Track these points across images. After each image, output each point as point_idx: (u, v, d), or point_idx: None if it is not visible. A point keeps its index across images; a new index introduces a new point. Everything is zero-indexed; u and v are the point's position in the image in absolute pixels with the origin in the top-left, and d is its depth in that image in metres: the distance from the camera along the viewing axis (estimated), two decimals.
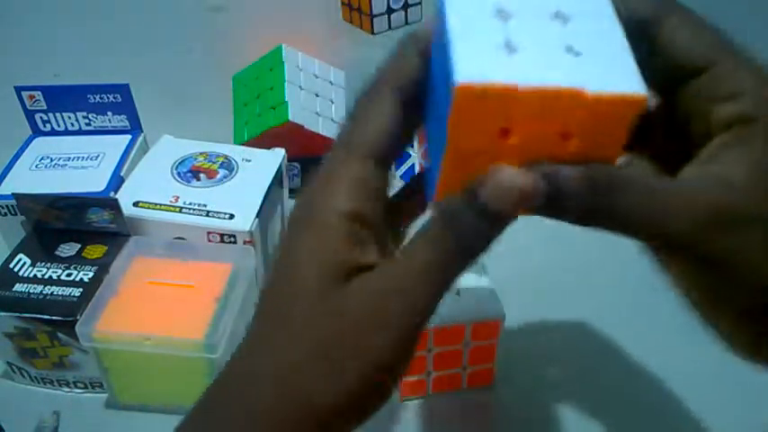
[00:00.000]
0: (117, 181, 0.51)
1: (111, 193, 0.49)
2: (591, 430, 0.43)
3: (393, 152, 0.24)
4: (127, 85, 0.53)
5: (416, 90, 0.24)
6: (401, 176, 0.28)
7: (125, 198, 0.48)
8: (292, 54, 0.65)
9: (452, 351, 0.42)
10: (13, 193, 0.46)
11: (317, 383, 0.22)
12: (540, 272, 0.52)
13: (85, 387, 0.44)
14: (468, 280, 0.43)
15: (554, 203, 0.21)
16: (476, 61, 0.20)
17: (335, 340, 0.22)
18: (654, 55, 0.24)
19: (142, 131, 0.56)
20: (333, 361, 0.22)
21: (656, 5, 0.24)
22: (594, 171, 0.21)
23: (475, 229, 0.22)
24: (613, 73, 0.20)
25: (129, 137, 0.55)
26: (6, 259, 0.45)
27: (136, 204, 0.48)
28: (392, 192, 0.28)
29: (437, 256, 0.22)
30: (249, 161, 0.52)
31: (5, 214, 0.49)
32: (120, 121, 0.55)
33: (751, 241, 0.22)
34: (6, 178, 0.51)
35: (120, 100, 0.54)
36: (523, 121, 0.21)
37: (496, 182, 0.21)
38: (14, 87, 0.53)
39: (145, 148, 0.56)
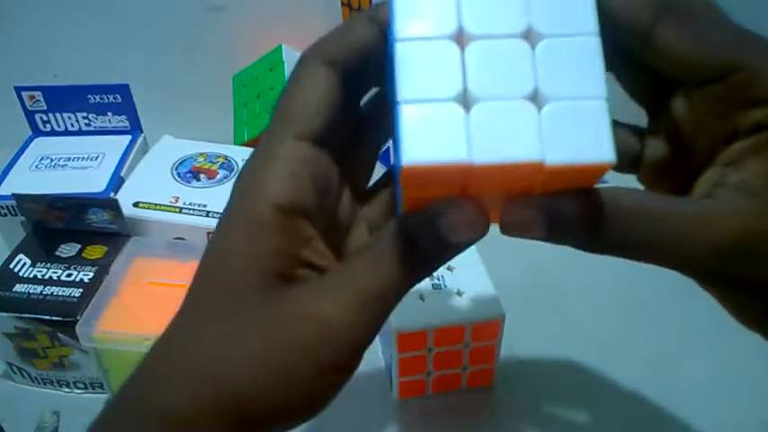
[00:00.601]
0: (117, 181, 0.51)
1: (111, 194, 0.49)
2: (591, 430, 0.43)
3: (332, 131, 0.22)
4: (127, 85, 0.53)
5: (360, 64, 0.22)
6: (379, 160, 0.27)
7: (125, 198, 0.48)
8: (292, 54, 0.65)
9: (452, 351, 0.42)
10: (13, 194, 0.46)
11: (251, 386, 0.21)
12: (540, 272, 0.52)
13: (85, 387, 0.44)
14: (468, 280, 0.43)
15: (555, 237, 0.20)
16: (424, 135, 0.18)
17: (279, 345, 0.21)
18: (652, 63, 0.22)
19: (142, 131, 0.56)
20: (270, 365, 0.21)
21: (658, 6, 0.21)
22: (594, 204, 0.20)
23: (430, 254, 0.21)
24: (580, 134, 0.18)
25: (129, 137, 0.55)
26: (6, 259, 0.45)
27: (136, 204, 0.48)
28: (372, 179, 0.27)
29: (386, 275, 0.21)
30: None
31: (5, 214, 0.49)
32: (120, 121, 0.55)
33: None
34: (6, 178, 0.51)
35: (120, 100, 0.54)
36: (480, 185, 0.20)
37: (456, 216, 0.20)
38: (14, 87, 0.53)
39: (145, 149, 0.56)
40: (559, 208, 0.20)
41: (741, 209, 0.20)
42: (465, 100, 0.19)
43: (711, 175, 0.22)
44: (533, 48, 0.19)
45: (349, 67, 0.22)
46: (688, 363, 0.45)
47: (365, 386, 0.45)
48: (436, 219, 0.20)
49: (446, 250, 0.21)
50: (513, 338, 0.42)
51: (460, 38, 0.19)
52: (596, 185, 0.20)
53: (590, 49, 0.19)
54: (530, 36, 0.19)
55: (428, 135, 0.18)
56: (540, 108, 0.19)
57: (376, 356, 0.47)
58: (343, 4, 0.90)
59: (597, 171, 0.19)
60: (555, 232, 0.20)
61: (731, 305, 0.23)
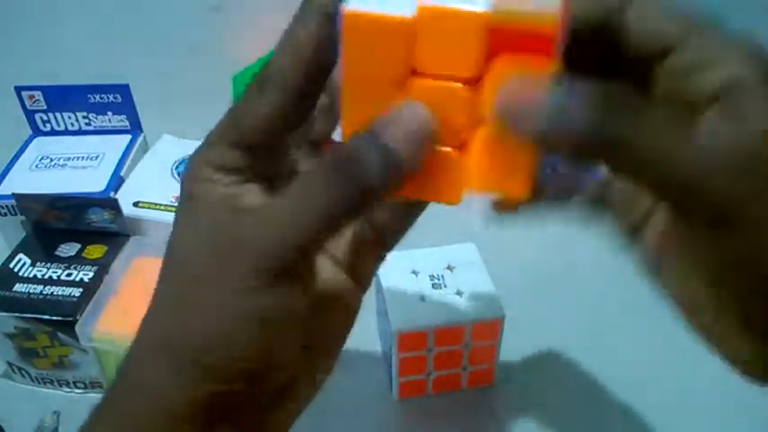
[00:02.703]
0: (117, 181, 0.51)
1: (111, 193, 0.49)
2: (591, 430, 0.43)
3: (275, 140, 0.23)
4: (127, 86, 0.53)
5: (314, 79, 0.22)
6: None
7: (125, 198, 0.48)
8: None
9: (452, 351, 0.42)
10: (13, 193, 0.46)
11: (189, 328, 0.22)
12: (540, 272, 0.52)
13: (85, 387, 0.44)
14: (468, 280, 0.43)
15: (557, 123, 0.19)
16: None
17: (200, 280, 0.21)
18: (621, 42, 0.21)
19: (142, 131, 0.56)
20: (196, 301, 0.21)
21: None
22: (612, 90, 0.19)
23: (373, 173, 0.20)
24: None
25: (129, 137, 0.55)
26: (6, 259, 0.45)
27: (136, 204, 0.48)
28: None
29: (321, 198, 0.20)
30: None
31: (5, 214, 0.49)
32: (120, 121, 0.55)
33: None
34: (6, 178, 0.51)
35: (120, 100, 0.54)
36: (427, 57, 0.19)
37: (401, 119, 0.20)
38: (14, 87, 0.53)
39: (145, 148, 0.56)
40: (564, 85, 0.19)
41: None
42: None
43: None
44: None
45: (301, 87, 0.22)
46: (688, 362, 0.45)
47: (365, 386, 0.45)
48: (376, 124, 0.20)
49: (387, 163, 0.20)
50: (513, 338, 0.42)
51: None
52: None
53: None
54: None
55: None
56: None
57: (376, 356, 0.47)
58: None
59: (548, 32, 0.18)
60: (555, 114, 0.19)
61: (688, 286, 0.23)
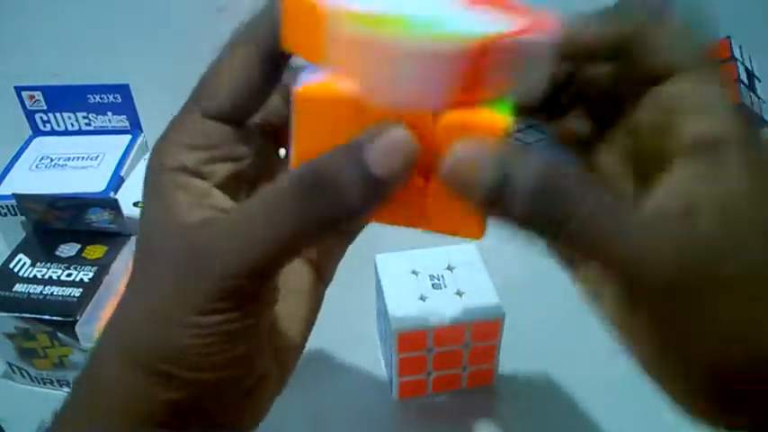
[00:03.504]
0: (117, 181, 0.51)
1: (111, 193, 0.49)
2: (591, 430, 0.43)
3: (247, 108, 0.23)
4: (127, 85, 0.53)
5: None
6: None
7: (125, 198, 0.48)
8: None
9: (452, 351, 0.42)
10: (13, 193, 0.46)
11: (146, 335, 0.21)
12: (540, 272, 0.52)
13: None
14: (468, 280, 0.43)
15: (499, 195, 0.19)
16: None
17: (156, 282, 0.21)
18: (636, 67, 0.21)
19: (142, 131, 0.56)
20: (156, 309, 0.21)
21: (638, 17, 0.21)
22: (557, 169, 0.19)
23: (351, 198, 0.19)
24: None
25: (129, 137, 0.55)
26: (6, 259, 0.45)
27: (136, 204, 0.48)
28: None
29: (292, 221, 0.20)
30: None
31: (5, 214, 0.49)
32: (120, 121, 0.55)
33: (708, 313, 0.19)
34: (6, 178, 0.51)
35: (120, 100, 0.54)
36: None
37: (387, 140, 0.19)
38: (14, 87, 0.53)
39: (145, 148, 0.56)
40: (509, 164, 0.19)
41: (686, 234, 0.19)
42: None
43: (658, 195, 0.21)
44: None
45: (277, 46, 0.21)
46: None
47: (365, 386, 0.45)
48: (361, 148, 0.19)
49: (368, 190, 0.19)
50: (513, 338, 0.42)
51: None
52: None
53: None
54: None
55: None
56: None
57: (376, 356, 0.47)
58: None
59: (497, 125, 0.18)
60: (496, 196, 0.19)
61: (644, 335, 0.23)
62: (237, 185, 0.23)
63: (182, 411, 0.22)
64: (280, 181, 0.20)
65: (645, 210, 0.19)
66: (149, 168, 0.23)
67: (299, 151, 0.20)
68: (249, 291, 0.21)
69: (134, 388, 0.22)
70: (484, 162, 0.19)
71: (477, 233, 0.21)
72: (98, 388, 0.22)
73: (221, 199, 0.22)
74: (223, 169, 0.23)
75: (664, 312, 0.20)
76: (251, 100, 0.22)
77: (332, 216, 0.19)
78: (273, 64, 0.22)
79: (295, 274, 0.27)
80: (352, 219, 0.20)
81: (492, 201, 0.19)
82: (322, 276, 0.28)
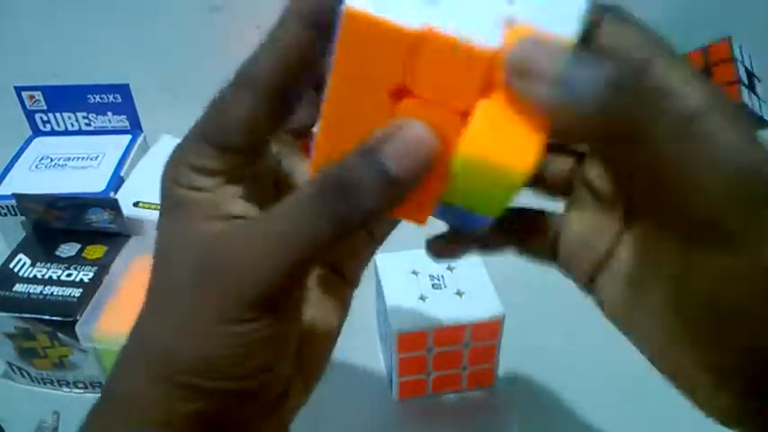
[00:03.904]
0: (117, 181, 0.51)
1: (111, 193, 0.49)
2: (591, 430, 0.43)
3: (259, 142, 0.22)
4: (127, 85, 0.53)
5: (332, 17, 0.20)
6: None
7: (125, 198, 0.48)
8: None
9: (452, 351, 0.42)
10: (13, 193, 0.46)
11: (160, 343, 0.21)
12: (540, 272, 0.52)
13: (85, 387, 0.44)
14: (468, 280, 0.43)
15: (574, 85, 0.17)
16: None
17: (177, 294, 0.21)
18: None
19: (142, 131, 0.56)
20: (174, 318, 0.21)
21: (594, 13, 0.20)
22: (627, 65, 0.18)
23: (369, 199, 0.19)
24: (548, 17, 0.17)
25: (129, 137, 0.55)
26: (6, 259, 0.45)
27: (136, 204, 0.48)
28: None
29: (312, 225, 0.19)
30: None
31: (5, 214, 0.49)
32: (120, 121, 0.55)
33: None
34: (6, 178, 0.51)
35: (120, 100, 0.54)
36: (424, 78, 0.18)
37: (406, 140, 0.18)
38: (14, 87, 0.53)
39: (145, 148, 0.56)
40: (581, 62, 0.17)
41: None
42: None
43: None
44: None
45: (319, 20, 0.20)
46: None
47: (365, 386, 0.45)
48: (377, 146, 0.18)
49: (387, 190, 0.19)
50: (513, 338, 0.42)
51: None
52: None
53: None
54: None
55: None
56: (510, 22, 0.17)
57: (376, 356, 0.47)
58: None
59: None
60: (569, 73, 0.17)
61: (658, 324, 0.22)
62: (260, 189, 0.23)
63: (206, 423, 0.22)
64: (301, 187, 0.20)
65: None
66: (164, 181, 0.22)
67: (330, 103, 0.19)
68: (275, 298, 0.20)
69: (159, 401, 0.21)
70: (555, 51, 0.17)
71: (422, 219, 0.21)
72: (122, 401, 0.22)
73: (241, 206, 0.22)
74: (239, 188, 0.22)
75: (713, 251, 0.19)
76: (258, 139, 0.22)
77: (352, 219, 0.19)
78: (280, 102, 0.21)
79: (318, 285, 0.26)
80: (373, 220, 0.19)
81: (564, 98, 0.17)
82: (350, 280, 0.27)
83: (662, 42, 0.20)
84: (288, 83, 0.21)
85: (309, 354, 0.26)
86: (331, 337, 0.27)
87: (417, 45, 0.17)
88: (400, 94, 0.18)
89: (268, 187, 0.24)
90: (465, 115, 0.18)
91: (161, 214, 0.22)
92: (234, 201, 0.22)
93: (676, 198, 0.19)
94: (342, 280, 0.27)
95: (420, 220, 0.21)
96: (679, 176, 0.18)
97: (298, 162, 0.26)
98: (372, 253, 0.28)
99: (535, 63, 0.17)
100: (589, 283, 0.25)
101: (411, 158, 0.18)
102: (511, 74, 0.17)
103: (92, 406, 0.23)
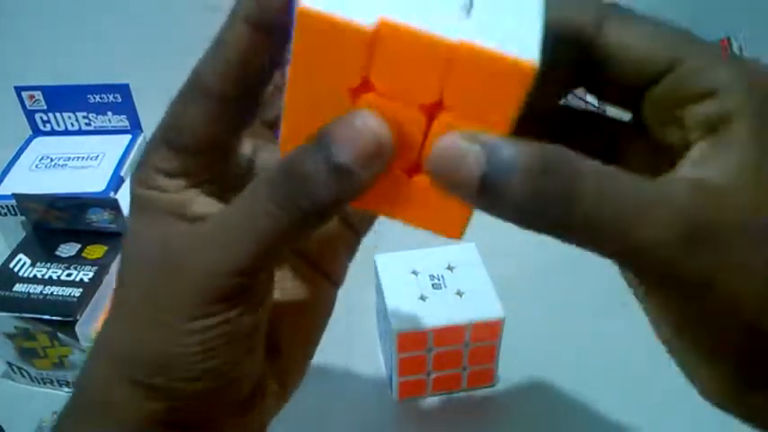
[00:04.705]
0: (117, 181, 0.51)
1: (111, 193, 0.49)
2: (591, 430, 0.43)
3: (219, 142, 0.22)
4: (127, 85, 0.53)
5: (282, 19, 0.19)
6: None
7: (125, 198, 0.48)
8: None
9: (452, 351, 0.42)
10: (13, 193, 0.46)
11: (131, 343, 0.21)
12: (540, 272, 0.52)
13: None
14: (468, 280, 0.43)
15: (490, 188, 0.17)
16: None
17: (142, 300, 0.21)
18: (605, 68, 0.20)
19: (142, 131, 0.56)
20: (141, 322, 0.21)
21: (597, 10, 0.20)
22: (548, 150, 0.17)
23: (320, 191, 0.18)
24: (506, 24, 0.17)
25: (129, 137, 0.55)
26: (6, 259, 0.45)
27: None
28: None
29: (264, 218, 0.19)
30: None
31: (5, 214, 0.49)
32: (120, 121, 0.55)
33: (735, 259, 0.18)
34: (6, 178, 0.51)
35: (120, 100, 0.54)
36: (384, 74, 0.17)
37: (354, 128, 0.18)
38: (14, 87, 0.53)
39: None
40: (501, 148, 0.17)
41: (700, 188, 0.18)
42: None
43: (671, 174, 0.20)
44: None
45: (268, 21, 0.20)
46: None
47: (365, 386, 0.45)
48: (325, 135, 0.18)
49: (336, 180, 0.18)
50: (513, 338, 0.42)
51: None
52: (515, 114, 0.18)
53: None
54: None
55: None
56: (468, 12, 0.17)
57: (376, 356, 0.47)
58: None
59: (518, 78, 0.17)
60: (490, 183, 0.17)
61: (665, 312, 0.22)
62: (231, 187, 0.22)
63: (171, 423, 0.22)
64: (257, 179, 0.20)
65: (658, 182, 0.19)
66: (131, 183, 0.22)
67: (290, 106, 0.19)
68: (234, 291, 0.20)
69: (129, 401, 0.21)
70: (473, 148, 0.17)
71: (457, 233, 0.20)
72: (95, 401, 0.22)
73: (206, 205, 0.22)
74: (205, 187, 0.22)
75: (686, 272, 0.18)
76: (217, 140, 0.22)
77: (307, 208, 0.19)
78: (233, 105, 0.21)
79: (294, 283, 0.26)
80: (329, 210, 0.19)
81: (485, 188, 0.17)
82: (331, 278, 0.27)
83: (673, 28, 0.20)
84: (237, 86, 0.20)
85: (286, 355, 0.25)
86: (310, 339, 0.26)
87: (374, 40, 0.17)
88: (362, 89, 0.18)
89: (241, 185, 0.23)
90: (429, 109, 0.18)
91: (129, 216, 0.23)
92: (198, 201, 0.21)
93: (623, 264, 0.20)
94: (323, 278, 0.26)
95: (453, 235, 0.20)
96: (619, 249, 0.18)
97: (274, 154, 0.25)
98: (353, 249, 0.27)
99: (454, 173, 0.17)
100: None
101: (358, 146, 0.18)
102: (433, 174, 0.18)
103: (64, 406, 0.23)
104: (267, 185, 0.19)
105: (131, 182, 0.22)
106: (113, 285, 0.23)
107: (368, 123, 0.18)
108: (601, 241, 0.18)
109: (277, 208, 0.19)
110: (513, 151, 0.17)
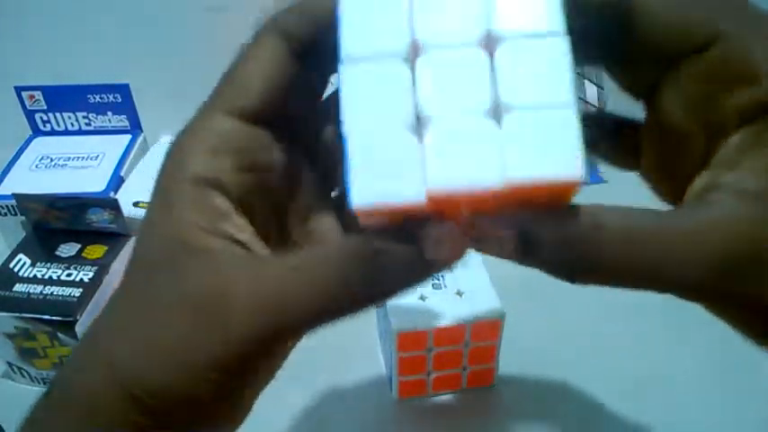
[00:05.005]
0: (117, 181, 0.51)
1: (111, 193, 0.49)
2: (591, 430, 0.43)
3: (276, 109, 0.20)
4: (127, 85, 0.53)
5: (322, 39, 0.19)
6: None
7: (125, 198, 0.48)
8: None
9: (452, 351, 0.42)
10: (13, 193, 0.46)
11: (132, 367, 0.19)
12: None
13: None
14: (468, 280, 0.43)
15: (529, 261, 0.18)
16: (373, 172, 0.17)
17: (153, 328, 0.19)
18: (633, 39, 0.19)
19: (142, 131, 0.56)
20: (160, 352, 0.19)
21: None
22: (572, 227, 0.17)
23: (399, 284, 0.18)
24: (545, 148, 0.17)
25: (129, 137, 0.55)
26: (6, 259, 0.45)
27: (136, 204, 0.48)
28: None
29: (332, 294, 0.18)
30: None
31: (5, 214, 0.49)
32: (120, 121, 0.55)
33: None
34: (6, 178, 0.51)
35: (120, 100, 0.54)
36: (443, 211, 0.18)
37: (440, 234, 0.18)
38: (14, 87, 0.53)
39: (145, 148, 0.56)
40: (532, 228, 0.18)
41: (738, 216, 0.17)
42: (417, 126, 0.17)
43: (705, 177, 0.19)
44: (492, 54, 0.18)
45: (308, 41, 0.20)
46: (689, 361, 0.45)
47: (365, 386, 0.45)
48: (418, 234, 0.18)
49: (421, 271, 0.18)
50: (513, 338, 0.42)
51: (412, 49, 0.18)
52: (574, 200, 0.18)
53: (556, 50, 0.17)
54: (489, 41, 0.18)
55: (378, 171, 0.17)
56: (500, 121, 0.17)
57: (376, 356, 0.47)
58: None
59: (566, 189, 0.17)
60: (528, 256, 0.18)
61: (739, 323, 0.21)
62: (260, 203, 0.21)
63: (157, 428, 0.20)
64: (328, 244, 0.19)
65: (690, 195, 0.18)
66: (163, 174, 0.20)
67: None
68: (271, 352, 0.20)
69: (118, 406, 0.20)
70: (506, 234, 0.18)
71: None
72: (81, 399, 0.21)
73: (240, 225, 0.20)
74: (247, 180, 0.20)
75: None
76: (282, 97, 0.20)
77: (369, 297, 0.18)
78: (306, 61, 0.20)
79: None
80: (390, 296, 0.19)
81: (518, 252, 0.18)
82: None
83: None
84: (320, 40, 0.19)
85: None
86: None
87: (428, 207, 0.17)
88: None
89: (275, 210, 0.22)
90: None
91: (151, 210, 0.20)
92: (237, 219, 0.20)
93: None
94: None
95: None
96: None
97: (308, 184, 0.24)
98: None
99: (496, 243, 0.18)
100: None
101: (449, 250, 0.18)
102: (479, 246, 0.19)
103: (42, 396, 0.21)
104: (343, 262, 0.18)
105: (164, 165, 0.20)
106: (114, 285, 0.22)
107: (456, 241, 0.18)
108: (635, 282, 0.18)
109: (346, 287, 0.18)
110: (542, 230, 0.18)
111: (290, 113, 0.21)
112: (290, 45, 0.20)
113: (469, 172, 0.17)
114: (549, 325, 0.48)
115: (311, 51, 0.20)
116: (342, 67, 0.18)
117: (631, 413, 0.43)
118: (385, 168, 0.17)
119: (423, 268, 0.18)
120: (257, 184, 0.21)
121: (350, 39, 0.18)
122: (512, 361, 0.44)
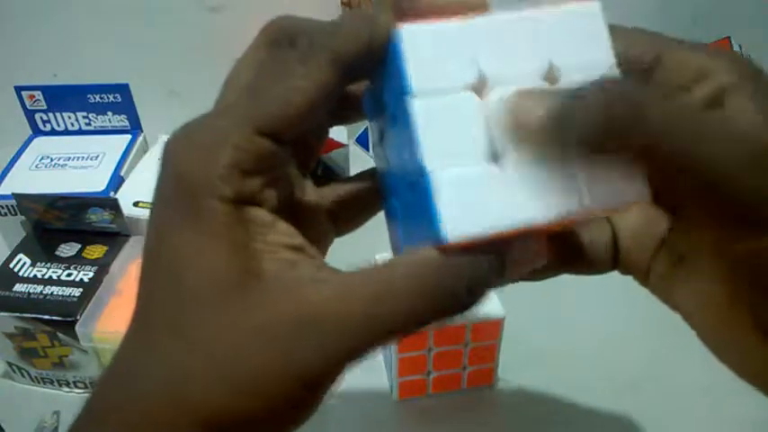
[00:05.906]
0: (117, 181, 0.51)
1: (111, 193, 0.49)
2: (591, 430, 0.43)
3: (304, 125, 0.20)
4: (127, 85, 0.53)
5: (365, 59, 0.19)
6: (357, 140, 0.26)
7: (125, 198, 0.48)
8: None
9: (452, 351, 0.42)
10: (13, 193, 0.46)
11: (213, 396, 0.18)
12: None
13: (85, 387, 0.44)
14: None
15: (567, 114, 0.18)
16: (461, 205, 0.18)
17: (236, 354, 0.18)
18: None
19: (142, 131, 0.56)
20: (232, 377, 0.18)
21: None
22: (620, 86, 0.19)
23: (473, 300, 0.20)
24: (615, 175, 0.19)
25: (129, 137, 0.55)
26: (6, 259, 0.45)
27: (136, 204, 0.48)
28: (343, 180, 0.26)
29: (417, 298, 0.19)
30: None
31: (5, 214, 0.49)
32: (120, 121, 0.55)
33: None
34: (6, 178, 0.51)
35: (120, 100, 0.54)
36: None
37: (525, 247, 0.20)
38: (14, 87, 0.53)
39: (145, 148, 0.56)
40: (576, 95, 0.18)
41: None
42: (496, 156, 0.19)
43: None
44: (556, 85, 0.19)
45: (357, 69, 0.20)
46: (688, 361, 0.45)
47: (365, 386, 0.45)
48: (503, 251, 0.19)
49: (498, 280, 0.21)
50: (513, 338, 0.42)
51: (480, 83, 0.19)
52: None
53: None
54: (550, 75, 0.19)
55: (466, 204, 0.18)
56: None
57: (376, 356, 0.47)
58: (342, 3, 0.90)
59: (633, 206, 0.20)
60: (556, 115, 0.18)
61: (699, 300, 0.23)
62: (287, 213, 0.21)
63: None
64: (406, 266, 0.19)
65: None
66: (187, 195, 0.19)
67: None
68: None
69: None
70: (546, 95, 0.18)
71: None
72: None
73: (289, 232, 0.20)
74: (277, 195, 0.20)
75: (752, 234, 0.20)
76: (313, 120, 0.20)
77: (435, 318, 0.20)
78: (350, 79, 0.20)
79: None
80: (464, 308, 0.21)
81: (561, 123, 0.18)
82: None
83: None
84: (364, 55, 0.19)
85: None
86: None
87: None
88: None
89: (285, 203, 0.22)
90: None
91: (188, 241, 0.19)
92: (282, 227, 0.20)
93: (708, 196, 0.20)
94: None
95: None
96: (707, 171, 0.19)
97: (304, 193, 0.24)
98: (329, 244, 0.26)
99: (531, 113, 0.18)
100: (646, 275, 0.27)
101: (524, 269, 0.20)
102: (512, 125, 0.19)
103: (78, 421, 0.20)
104: (423, 289, 0.19)
105: (184, 183, 0.19)
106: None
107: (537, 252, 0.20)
108: (672, 156, 0.18)
109: (413, 310, 0.19)
110: (583, 89, 0.18)
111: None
112: (342, 71, 0.19)
113: (553, 203, 0.19)
114: (549, 325, 0.48)
115: (353, 77, 0.20)
116: (413, 101, 0.18)
117: (631, 413, 0.43)
118: (475, 200, 0.18)
119: (504, 276, 0.20)
120: (285, 195, 0.21)
121: (418, 73, 0.18)
122: (512, 361, 0.44)
